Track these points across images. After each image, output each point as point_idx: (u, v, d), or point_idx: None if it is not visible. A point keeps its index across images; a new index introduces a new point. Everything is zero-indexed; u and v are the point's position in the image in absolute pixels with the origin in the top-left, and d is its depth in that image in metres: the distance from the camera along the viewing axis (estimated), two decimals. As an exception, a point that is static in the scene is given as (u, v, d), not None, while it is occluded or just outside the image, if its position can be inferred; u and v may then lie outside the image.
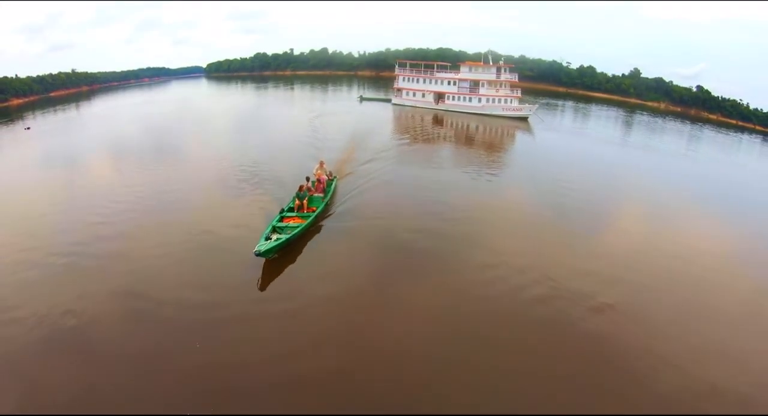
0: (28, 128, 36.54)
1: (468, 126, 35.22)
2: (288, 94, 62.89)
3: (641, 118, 55.21)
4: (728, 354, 8.39)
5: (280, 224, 12.21)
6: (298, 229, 11.81)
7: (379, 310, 9.17)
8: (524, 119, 37.34)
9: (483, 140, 31.02)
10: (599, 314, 9.28)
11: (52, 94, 73.25)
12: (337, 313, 8.98)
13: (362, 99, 49.36)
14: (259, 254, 10.13)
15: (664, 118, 60.14)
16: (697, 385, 7.51)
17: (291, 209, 13.37)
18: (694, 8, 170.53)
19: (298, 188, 13.90)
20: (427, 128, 33.51)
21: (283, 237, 11.14)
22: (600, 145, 32.24)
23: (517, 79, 39.80)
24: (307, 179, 14.77)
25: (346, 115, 37.15)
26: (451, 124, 35.83)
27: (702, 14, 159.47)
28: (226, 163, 20.05)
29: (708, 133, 50.89)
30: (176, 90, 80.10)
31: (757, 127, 68.14)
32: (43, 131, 35.71)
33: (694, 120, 63.75)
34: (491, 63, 38.67)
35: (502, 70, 38.38)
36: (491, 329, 8.65)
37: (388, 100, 45.53)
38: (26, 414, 6.60)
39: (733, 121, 70.23)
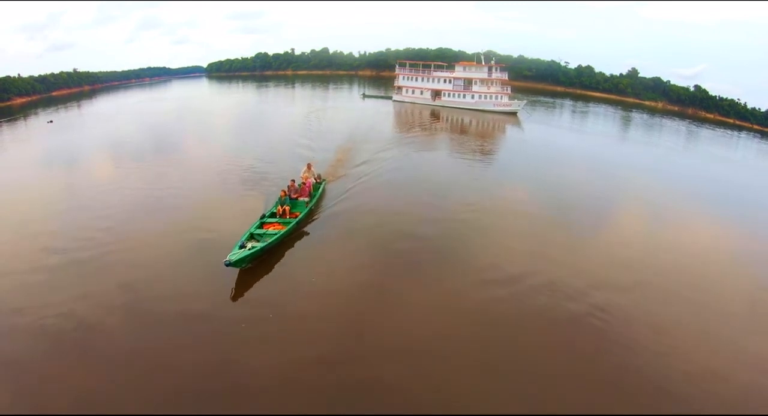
0: (51, 121, 41.30)
1: (462, 120, 40.16)
2: (289, 93, 67.16)
3: (636, 116, 59.58)
4: (736, 356, 8.75)
5: (258, 231, 11.93)
6: (277, 237, 11.52)
7: (359, 320, 9.16)
8: (513, 114, 42.55)
9: (476, 133, 35.44)
10: (600, 314, 9.55)
11: (53, 94, 76.71)
12: (313, 325, 8.97)
13: (365, 96, 54.65)
14: (229, 264, 9.75)
15: (659, 116, 64.42)
16: (702, 384, 7.84)
17: (273, 214, 13.23)
18: (693, 9, 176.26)
19: (280, 193, 13.85)
20: (425, 122, 38.20)
21: (259, 245, 10.84)
22: (589, 138, 36.98)
23: (507, 78, 45.10)
24: (292, 182, 14.78)
25: (350, 112, 42.01)
26: (447, 118, 40.68)
27: (702, 15, 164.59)
28: (226, 163, 20.77)
29: (701, 130, 55.17)
30: (178, 89, 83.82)
31: (755, 126, 72.39)
32: (67, 125, 40.54)
33: (691, 119, 67.90)
34: (483, 63, 44.08)
35: (494, 69, 43.71)
36: (491, 330, 8.96)
37: (389, 98, 50.76)
38: (26, 414, 6.88)
39: (730, 120, 74.62)
